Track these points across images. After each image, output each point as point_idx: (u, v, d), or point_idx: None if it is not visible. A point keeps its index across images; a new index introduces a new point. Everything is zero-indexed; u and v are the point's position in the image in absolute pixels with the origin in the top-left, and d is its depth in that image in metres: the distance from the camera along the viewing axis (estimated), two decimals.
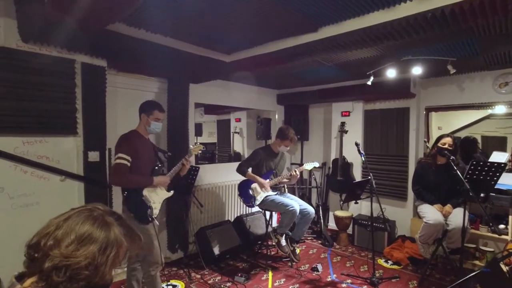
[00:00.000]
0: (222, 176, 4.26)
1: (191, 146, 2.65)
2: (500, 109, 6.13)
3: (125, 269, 2.53)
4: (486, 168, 2.47)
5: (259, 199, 3.44)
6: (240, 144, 6.16)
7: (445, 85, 3.79)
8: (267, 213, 3.71)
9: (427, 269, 3.11)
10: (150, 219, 2.27)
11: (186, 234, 3.63)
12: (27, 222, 2.28)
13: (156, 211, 2.35)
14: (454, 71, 2.85)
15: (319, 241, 4.22)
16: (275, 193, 3.52)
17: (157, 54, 2.63)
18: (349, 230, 4.16)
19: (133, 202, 2.27)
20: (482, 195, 2.67)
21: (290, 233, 3.45)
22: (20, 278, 0.82)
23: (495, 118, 6.75)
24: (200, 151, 2.79)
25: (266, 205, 3.44)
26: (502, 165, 2.43)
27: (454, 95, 3.75)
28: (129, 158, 2.19)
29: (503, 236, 3.29)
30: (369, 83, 3.44)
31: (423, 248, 3.10)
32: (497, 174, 2.46)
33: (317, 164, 3.47)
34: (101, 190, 2.79)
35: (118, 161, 2.17)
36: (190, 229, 3.65)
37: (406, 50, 2.83)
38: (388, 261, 3.54)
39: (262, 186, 3.40)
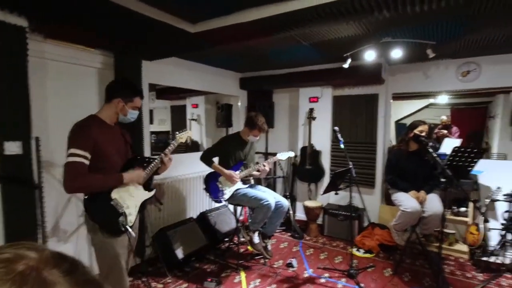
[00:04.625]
0: (180, 169, 3.75)
1: (177, 132, 2.10)
2: (442, 99, 6.66)
3: None
4: (466, 154, 2.45)
5: (228, 193, 3.07)
6: (198, 132, 5.64)
7: (412, 72, 3.80)
8: (233, 206, 3.36)
9: (402, 257, 3.10)
10: (123, 229, 1.74)
11: (142, 237, 3.09)
12: None
13: (131, 218, 1.81)
14: (434, 55, 2.79)
15: (289, 234, 4.02)
16: (246, 186, 3.19)
17: (95, 11, 1.99)
18: (319, 220, 4.04)
19: (98, 209, 1.74)
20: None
21: (261, 229, 3.16)
22: None
23: (433, 107, 7.36)
24: (188, 138, 2.24)
25: (237, 199, 3.09)
26: (481, 150, 2.43)
27: (420, 82, 3.78)
28: (86, 154, 1.64)
29: (463, 218, 3.46)
30: (345, 66, 3.24)
31: (398, 235, 3.07)
32: (475, 160, 2.46)
33: (292, 154, 3.22)
34: (26, 192, 2.13)
35: (70, 159, 1.61)
36: (147, 230, 3.12)
37: (389, 30, 2.66)
38: (360, 249, 3.49)
39: (230, 179, 3.03)
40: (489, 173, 3.43)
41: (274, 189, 4.63)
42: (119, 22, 2.19)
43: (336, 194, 2.89)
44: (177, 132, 2.09)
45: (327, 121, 4.20)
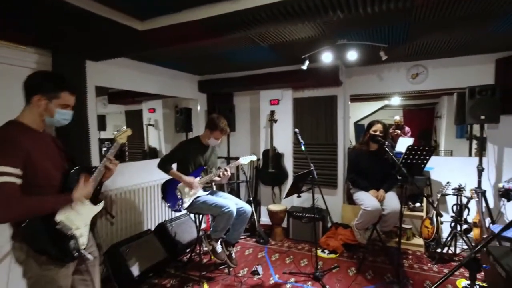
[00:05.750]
0: (136, 177, 3.49)
1: (115, 132, 1.80)
2: (395, 101, 7.08)
3: None
4: (419, 152, 2.54)
5: (188, 201, 2.90)
6: (156, 138, 5.34)
7: (367, 75, 3.94)
8: (193, 215, 3.19)
9: (364, 255, 3.14)
10: (76, 254, 1.50)
11: None
12: None
13: (84, 240, 1.57)
14: (386, 57, 2.88)
15: (254, 239, 3.92)
16: (207, 192, 3.03)
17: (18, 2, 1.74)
18: (284, 224, 4.00)
19: (41, 237, 1.43)
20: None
21: (224, 236, 3.03)
22: None
23: (388, 109, 7.81)
24: (127, 138, 1.86)
25: (197, 208, 2.91)
26: (432, 148, 2.55)
27: (374, 84, 3.93)
28: (17, 171, 1.32)
29: (419, 213, 3.62)
30: (304, 67, 3.25)
31: (360, 234, 3.11)
32: (427, 157, 2.56)
33: (254, 158, 3.13)
34: None
35: None
36: (100, 248, 2.82)
37: (343, 32, 2.70)
38: (325, 250, 3.49)
39: (189, 186, 2.86)
40: (439, 169, 3.65)
41: (237, 194, 4.53)
42: (49, 16, 1.94)
43: (299, 197, 2.86)
44: (115, 132, 1.78)
45: (288, 123, 4.19)
